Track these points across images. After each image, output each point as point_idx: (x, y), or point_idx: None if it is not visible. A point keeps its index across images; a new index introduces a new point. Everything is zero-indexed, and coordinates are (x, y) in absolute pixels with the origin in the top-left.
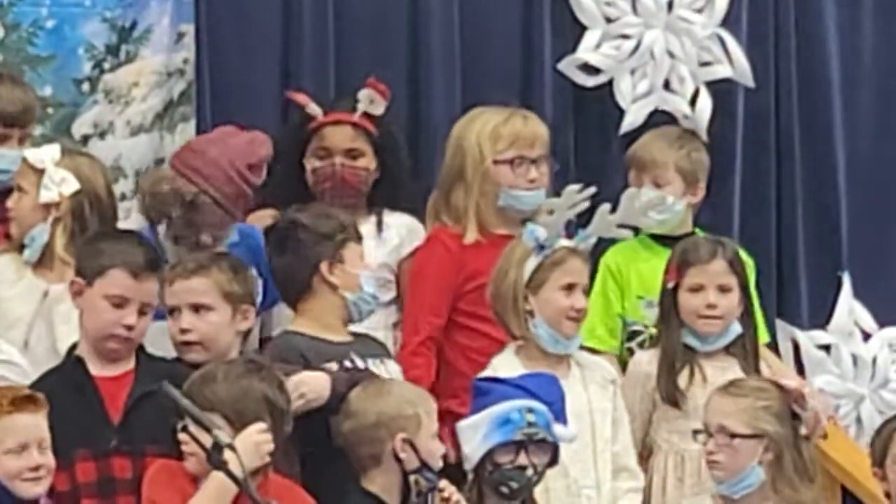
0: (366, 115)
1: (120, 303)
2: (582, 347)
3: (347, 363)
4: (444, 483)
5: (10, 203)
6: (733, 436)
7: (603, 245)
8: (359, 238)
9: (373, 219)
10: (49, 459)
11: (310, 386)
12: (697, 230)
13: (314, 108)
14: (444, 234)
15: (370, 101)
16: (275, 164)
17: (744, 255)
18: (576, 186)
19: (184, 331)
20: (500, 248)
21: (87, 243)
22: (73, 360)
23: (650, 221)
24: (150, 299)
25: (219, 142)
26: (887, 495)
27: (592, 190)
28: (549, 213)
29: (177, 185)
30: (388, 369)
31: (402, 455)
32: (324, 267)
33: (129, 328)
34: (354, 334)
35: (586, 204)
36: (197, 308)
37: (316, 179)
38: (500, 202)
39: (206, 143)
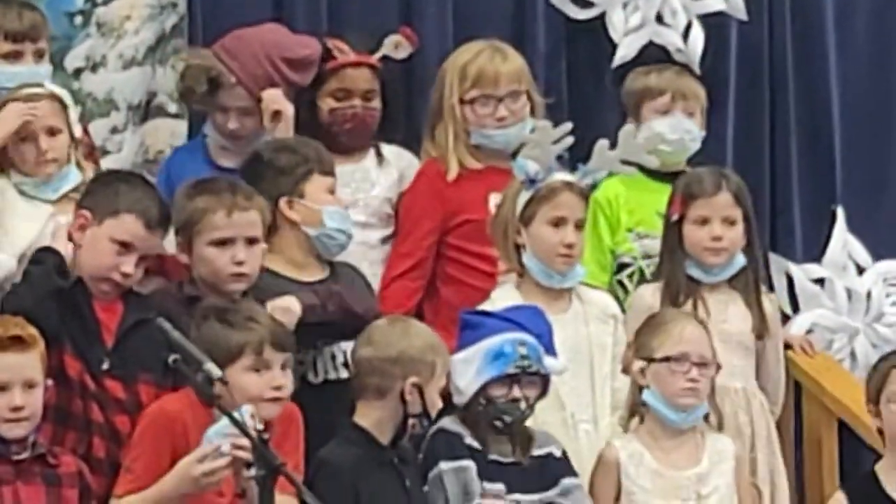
0: (384, 57)
1: (124, 249)
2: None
3: None
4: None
5: (44, 144)
6: (708, 365)
7: None
8: (327, 171)
9: (372, 152)
10: (35, 402)
11: (279, 311)
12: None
13: (347, 54)
14: (430, 170)
15: (395, 46)
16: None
17: None
18: (548, 123)
19: (239, 263)
20: (485, 181)
21: (102, 182)
22: (75, 282)
23: (652, 159)
24: (152, 252)
25: (261, 30)
26: (879, 431)
27: (569, 126)
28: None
29: (207, 62)
30: None
31: (408, 397)
32: (282, 203)
33: (126, 276)
34: (334, 268)
35: (570, 139)
36: (251, 241)
37: (333, 120)
38: (472, 140)
39: (249, 30)
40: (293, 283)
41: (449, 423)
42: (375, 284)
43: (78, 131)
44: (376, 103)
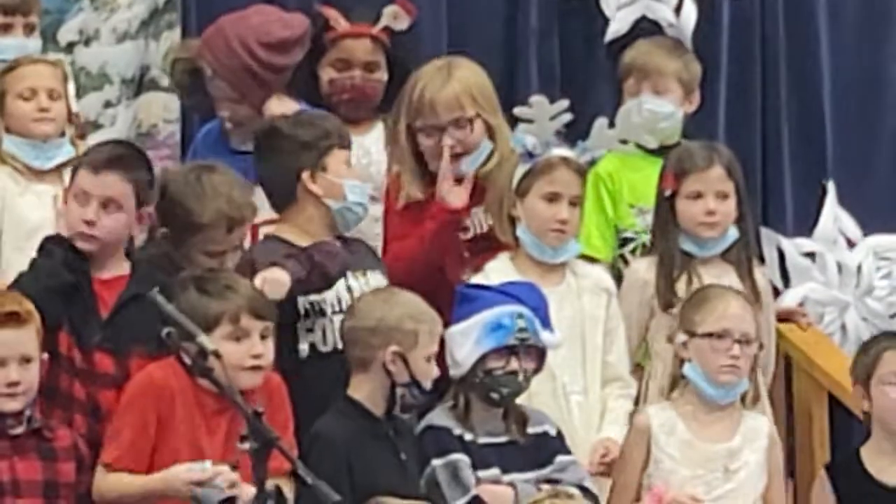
0: (386, 28)
1: (84, 200)
2: (581, 257)
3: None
4: None
5: (46, 104)
6: (750, 342)
7: None
8: (345, 145)
9: (380, 126)
10: (31, 377)
11: (269, 282)
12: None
13: (342, 23)
14: (392, 188)
15: (394, 16)
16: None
17: None
18: (544, 98)
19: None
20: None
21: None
22: (78, 256)
23: (650, 139)
24: (110, 194)
25: (244, 16)
26: (865, 414)
27: (565, 103)
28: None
29: (191, 54)
30: (370, 281)
31: (391, 367)
32: (305, 176)
33: (89, 223)
34: (344, 241)
35: (568, 116)
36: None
37: (333, 90)
38: (431, 167)
39: (231, 17)
40: None
41: (436, 416)
42: None
43: (74, 107)
44: (379, 75)
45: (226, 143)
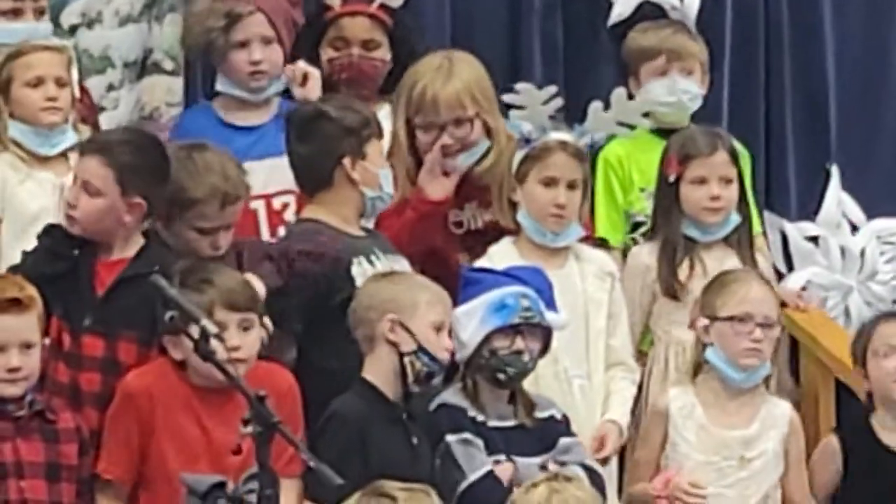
0: (382, 6)
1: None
2: (592, 241)
3: (373, 257)
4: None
5: (54, 93)
6: (772, 326)
7: None
8: (381, 134)
9: (386, 107)
10: (32, 362)
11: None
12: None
13: (336, 2)
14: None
15: None
16: (290, 52)
17: (739, 147)
18: (529, 85)
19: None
20: None
21: None
22: (70, 242)
23: (646, 121)
24: (87, 177)
25: None
26: (868, 395)
27: (553, 88)
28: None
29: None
30: (403, 265)
31: (390, 336)
32: (347, 162)
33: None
34: (366, 229)
35: (559, 101)
36: None
37: (332, 69)
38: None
39: None
40: (342, 235)
41: (450, 395)
42: None
43: (77, 92)
44: (380, 53)
45: (220, 120)
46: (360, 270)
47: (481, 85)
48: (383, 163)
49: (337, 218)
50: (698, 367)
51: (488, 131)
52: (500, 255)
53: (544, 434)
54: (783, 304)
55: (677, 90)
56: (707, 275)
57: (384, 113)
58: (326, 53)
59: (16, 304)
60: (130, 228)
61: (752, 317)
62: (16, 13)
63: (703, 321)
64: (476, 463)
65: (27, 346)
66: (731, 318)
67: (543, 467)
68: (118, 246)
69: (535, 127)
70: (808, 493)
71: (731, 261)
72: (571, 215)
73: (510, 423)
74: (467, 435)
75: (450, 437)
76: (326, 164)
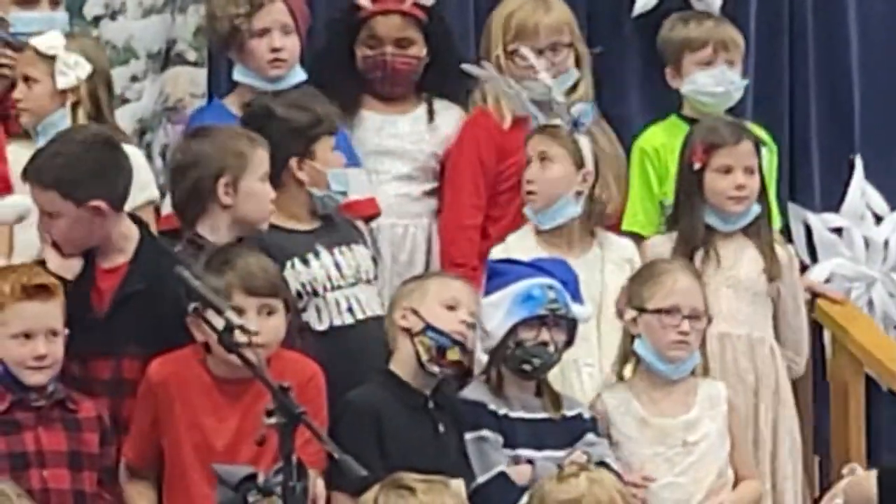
0: (415, 4)
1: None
2: (626, 233)
3: (310, 255)
4: None
5: (17, 94)
6: (699, 318)
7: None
8: (334, 130)
9: (423, 106)
10: (57, 350)
11: None
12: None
13: (364, 2)
14: (483, 120)
15: None
16: (326, 50)
17: (767, 139)
18: (494, 74)
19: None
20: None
21: None
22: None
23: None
24: (39, 205)
25: None
26: None
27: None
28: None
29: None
30: (356, 255)
31: (403, 323)
32: (293, 163)
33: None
34: (323, 219)
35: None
36: None
37: (366, 68)
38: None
39: None
40: (292, 234)
41: (471, 391)
42: (419, 237)
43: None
44: (414, 51)
45: (233, 117)
46: (294, 273)
47: (571, 19)
48: (334, 160)
49: (283, 215)
50: (626, 358)
51: (578, 63)
52: (518, 241)
53: (572, 428)
54: (815, 296)
55: (725, 80)
56: (720, 265)
57: (420, 111)
58: (361, 52)
59: (43, 291)
60: (111, 228)
61: (679, 309)
62: (31, 2)
63: (631, 313)
64: (489, 462)
65: (53, 333)
66: (658, 311)
67: (578, 451)
68: (115, 251)
69: (519, 109)
70: (753, 466)
71: (749, 251)
72: (541, 195)
73: (537, 415)
74: (483, 432)
75: (468, 436)
76: (273, 165)
